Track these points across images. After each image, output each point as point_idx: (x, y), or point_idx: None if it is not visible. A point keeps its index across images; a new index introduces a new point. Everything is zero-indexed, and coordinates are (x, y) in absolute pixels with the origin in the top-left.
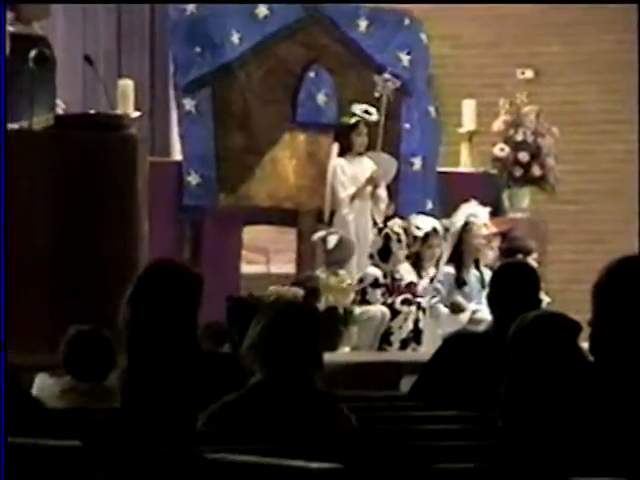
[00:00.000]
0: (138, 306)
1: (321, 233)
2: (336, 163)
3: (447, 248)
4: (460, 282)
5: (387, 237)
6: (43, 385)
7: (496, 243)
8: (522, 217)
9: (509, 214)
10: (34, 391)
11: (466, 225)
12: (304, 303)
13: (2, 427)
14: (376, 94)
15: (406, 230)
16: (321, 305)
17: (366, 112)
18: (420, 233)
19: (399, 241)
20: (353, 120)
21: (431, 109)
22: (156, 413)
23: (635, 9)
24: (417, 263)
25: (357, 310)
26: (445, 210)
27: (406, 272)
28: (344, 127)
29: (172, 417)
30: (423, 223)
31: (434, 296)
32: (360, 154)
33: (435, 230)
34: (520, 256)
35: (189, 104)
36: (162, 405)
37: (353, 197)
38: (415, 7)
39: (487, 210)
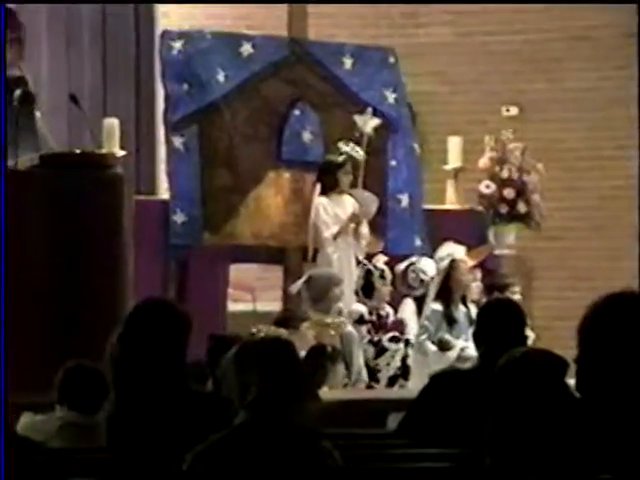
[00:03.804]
0: (128, 344)
1: (298, 283)
2: (318, 202)
3: (434, 285)
4: (451, 319)
5: (369, 273)
6: (33, 423)
7: (478, 275)
8: (508, 253)
9: (495, 251)
10: (19, 429)
11: (453, 262)
12: (277, 338)
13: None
14: (356, 133)
15: (392, 268)
16: (308, 342)
17: (354, 150)
18: (427, 277)
19: (382, 277)
20: (341, 158)
21: (415, 146)
22: (142, 452)
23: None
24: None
25: None
26: (432, 247)
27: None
28: (331, 165)
29: (158, 456)
30: (428, 267)
31: (422, 333)
32: (342, 192)
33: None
34: (500, 292)
35: (177, 141)
36: (148, 444)
37: (336, 235)
38: (401, 44)
39: (463, 248)
